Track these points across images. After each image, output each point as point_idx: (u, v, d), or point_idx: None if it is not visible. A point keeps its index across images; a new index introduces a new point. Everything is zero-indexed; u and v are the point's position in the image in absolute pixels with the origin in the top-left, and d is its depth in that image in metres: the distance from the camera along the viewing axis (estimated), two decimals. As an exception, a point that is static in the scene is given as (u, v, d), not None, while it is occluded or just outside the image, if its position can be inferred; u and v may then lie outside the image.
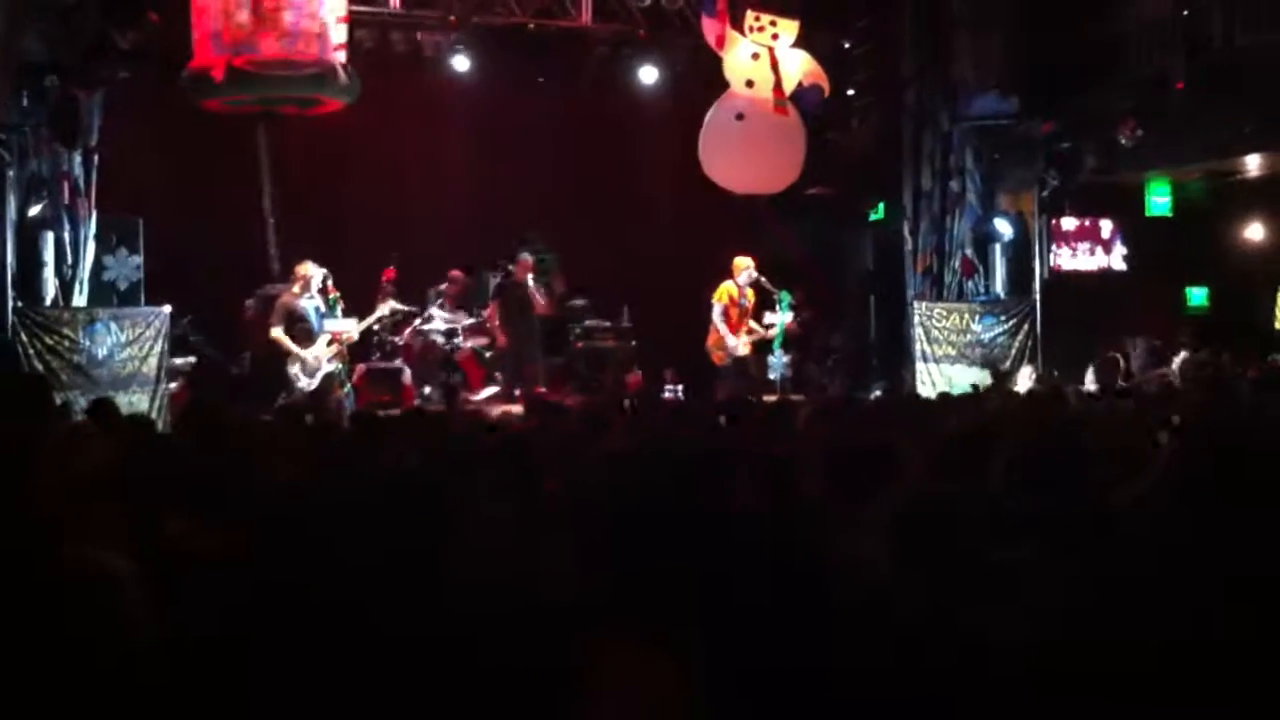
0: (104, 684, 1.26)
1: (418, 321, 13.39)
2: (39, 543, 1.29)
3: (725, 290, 13.34)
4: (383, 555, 2.98)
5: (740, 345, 13.30)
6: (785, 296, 13.71)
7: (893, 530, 3.31)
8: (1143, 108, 13.08)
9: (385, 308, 12.81)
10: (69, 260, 11.61)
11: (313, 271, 11.77)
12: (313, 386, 11.57)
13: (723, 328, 13.24)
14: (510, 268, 13.84)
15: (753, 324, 13.41)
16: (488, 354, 13.73)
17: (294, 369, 11.60)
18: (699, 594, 1.70)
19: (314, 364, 11.66)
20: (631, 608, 1.71)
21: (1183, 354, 13.40)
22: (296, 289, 11.71)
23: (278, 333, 11.57)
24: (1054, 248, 14.37)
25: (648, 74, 15.01)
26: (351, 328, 12.08)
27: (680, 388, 13.10)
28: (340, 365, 11.92)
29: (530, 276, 13.55)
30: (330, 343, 11.79)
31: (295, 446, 5.96)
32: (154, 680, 1.39)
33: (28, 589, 1.25)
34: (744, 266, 13.34)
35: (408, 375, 13.07)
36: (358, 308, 12.86)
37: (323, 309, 11.83)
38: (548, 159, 16.08)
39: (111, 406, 8.10)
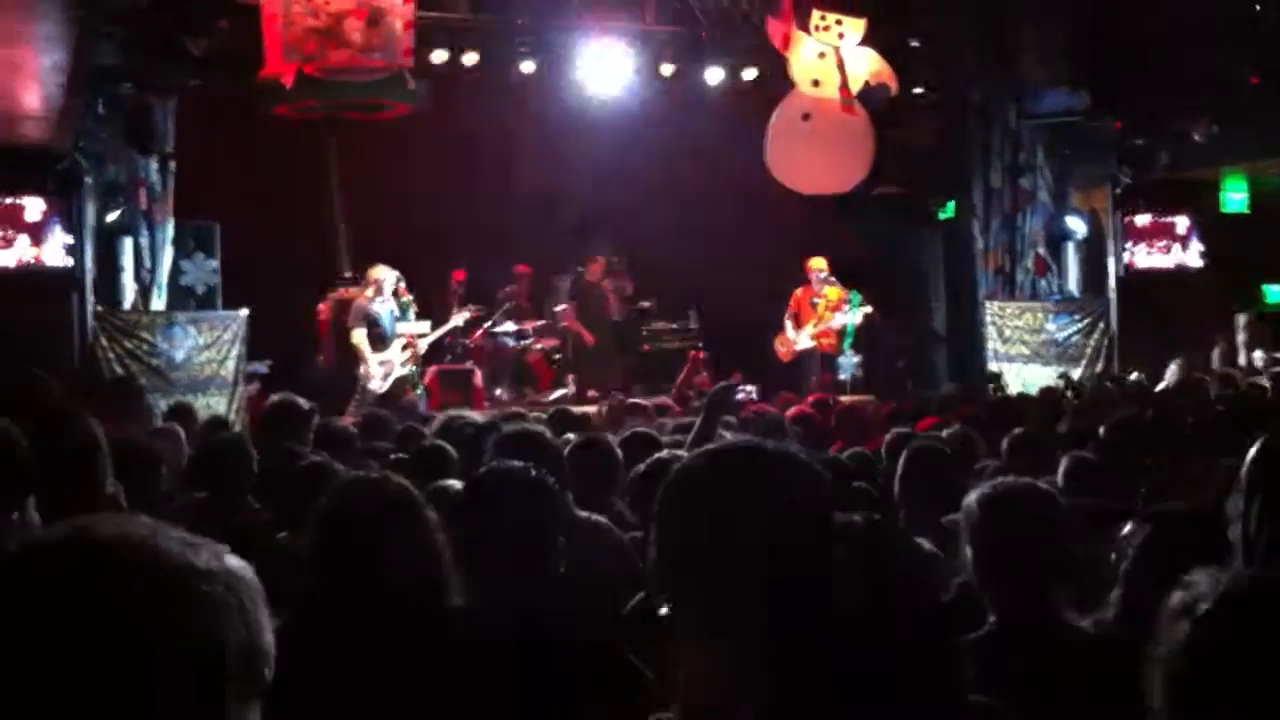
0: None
1: (488, 324, 13.47)
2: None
3: (796, 294, 13.80)
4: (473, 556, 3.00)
5: (802, 340, 13.61)
6: (855, 297, 13.67)
7: (970, 527, 3.28)
8: (1216, 103, 12.89)
9: (460, 317, 12.94)
10: (147, 265, 11.79)
11: (385, 274, 11.90)
12: (384, 389, 11.69)
13: (788, 327, 13.55)
14: (580, 269, 13.91)
15: (838, 316, 13.71)
16: (557, 356, 13.79)
17: (366, 371, 11.73)
18: (784, 599, 1.70)
19: (385, 367, 11.79)
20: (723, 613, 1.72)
21: (1259, 352, 13.18)
22: (370, 292, 11.85)
23: (358, 336, 11.71)
24: (1128, 245, 14.19)
25: (713, 75, 14.98)
26: (424, 330, 12.20)
27: (752, 389, 13.04)
28: (412, 368, 12.03)
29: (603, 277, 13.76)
30: (405, 346, 11.92)
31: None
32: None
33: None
34: (816, 267, 13.50)
35: (479, 377, 13.15)
36: (429, 310, 12.98)
37: (396, 312, 11.96)
38: (613, 160, 16.10)
39: (190, 410, 8.24)
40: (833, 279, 13.89)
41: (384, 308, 11.90)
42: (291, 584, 2.77)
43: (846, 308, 13.67)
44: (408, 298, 12.40)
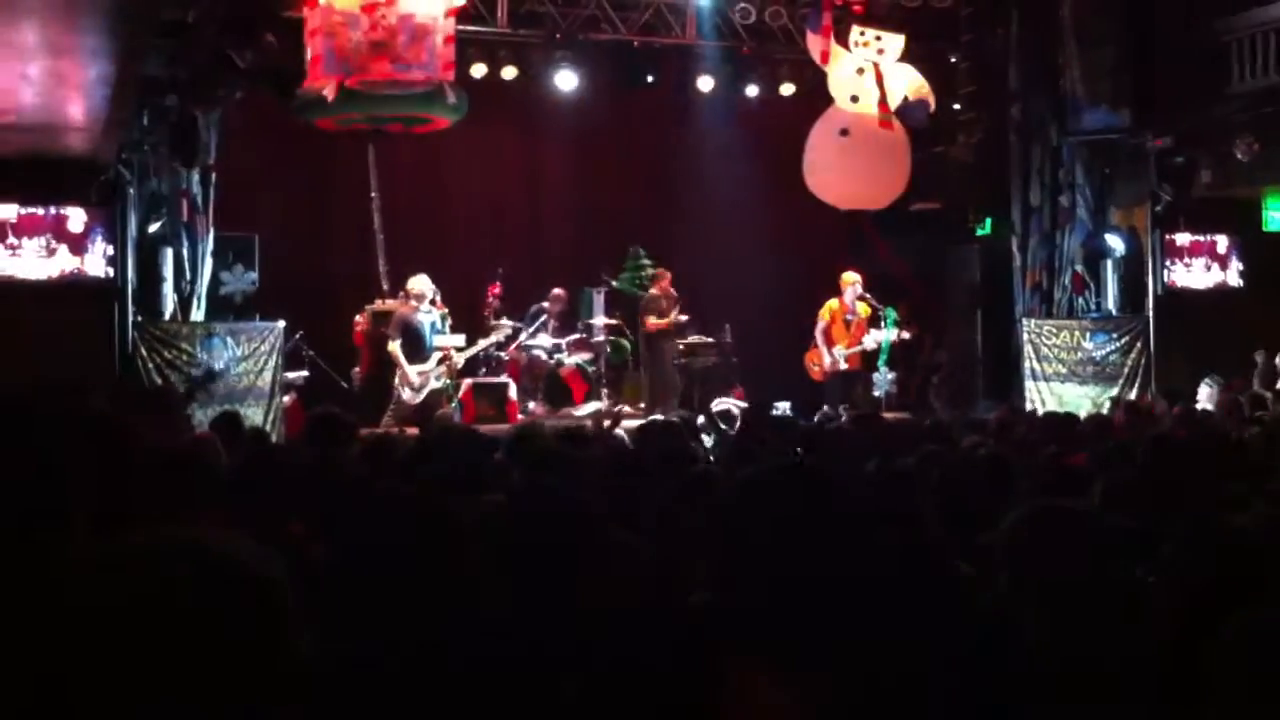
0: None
1: (523, 337, 13.51)
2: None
3: (828, 307, 13.63)
4: (509, 569, 3.01)
5: (839, 359, 13.51)
6: (890, 313, 13.63)
7: (1010, 547, 3.27)
8: (1259, 121, 12.79)
9: (499, 334, 13.00)
10: (187, 276, 11.89)
11: (424, 285, 11.98)
12: (418, 400, 11.74)
13: (820, 343, 13.51)
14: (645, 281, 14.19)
15: (866, 339, 13.59)
16: (591, 369, 13.81)
17: (402, 384, 11.79)
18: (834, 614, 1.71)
19: (421, 379, 11.84)
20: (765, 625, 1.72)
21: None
22: (413, 303, 11.94)
23: (395, 347, 11.77)
24: (1168, 263, 14.09)
25: (752, 89, 15.01)
26: (460, 344, 12.26)
27: (787, 405, 13.04)
28: (447, 381, 12.08)
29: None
30: (441, 360, 11.98)
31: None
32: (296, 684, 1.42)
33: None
34: (850, 282, 13.51)
35: (513, 390, 13.19)
36: (464, 323, 13.03)
37: (437, 324, 12.04)
38: (651, 175, 16.16)
39: (237, 419, 8.29)
40: (866, 295, 13.84)
41: (425, 319, 11.97)
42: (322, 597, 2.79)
43: (879, 328, 13.63)
44: (443, 310, 12.45)
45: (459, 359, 12.37)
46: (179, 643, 1.23)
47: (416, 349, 11.85)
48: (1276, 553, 3.42)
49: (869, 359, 13.76)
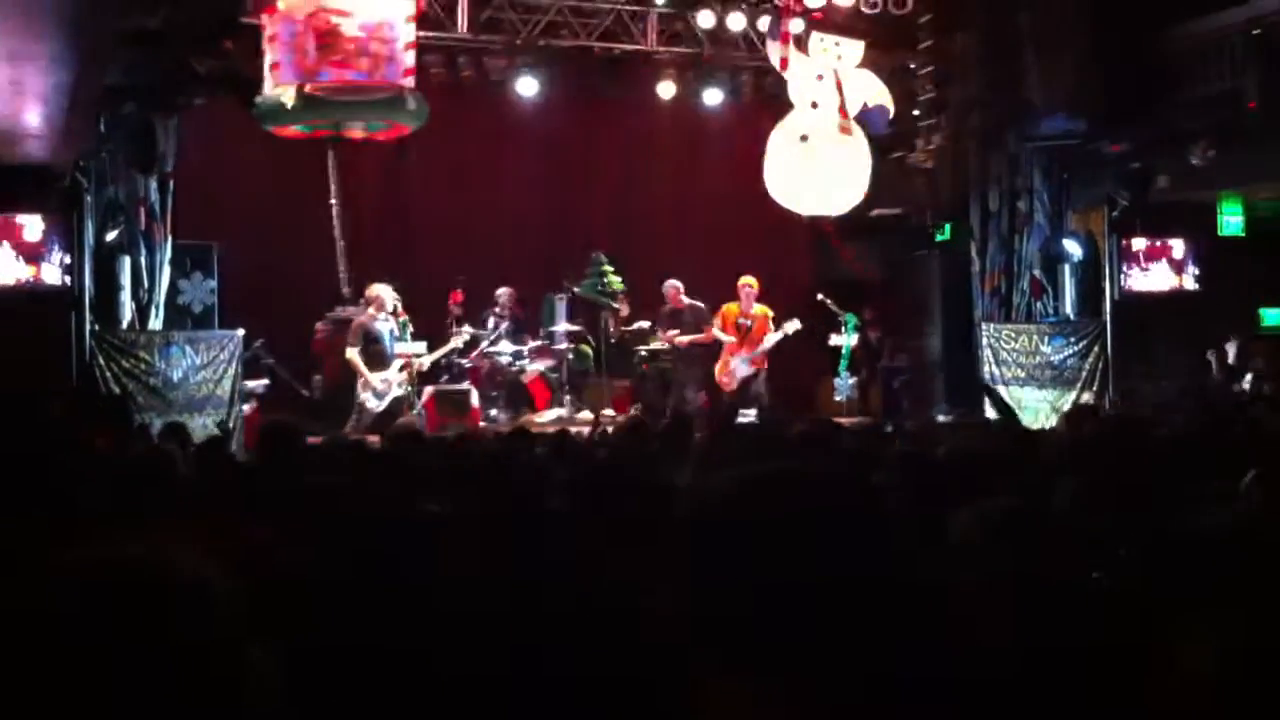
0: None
1: (485, 344, 13.49)
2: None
3: (723, 313, 13.42)
4: (466, 573, 3.00)
5: (743, 368, 13.25)
6: (850, 318, 13.69)
7: (965, 548, 3.28)
8: (1215, 127, 12.93)
9: (459, 340, 12.97)
10: (145, 284, 11.81)
11: (385, 292, 11.95)
12: (381, 408, 11.71)
13: (725, 352, 13.31)
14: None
15: (769, 338, 13.22)
16: (554, 375, 13.80)
17: (365, 391, 11.76)
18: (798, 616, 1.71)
19: (384, 387, 11.81)
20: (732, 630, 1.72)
21: (1250, 374, 13.21)
22: (372, 310, 11.90)
23: (352, 354, 11.73)
24: (1124, 268, 14.22)
25: (712, 96, 15.05)
26: (421, 351, 12.23)
27: (754, 410, 13.03)
28: (409, 388, 12.05)
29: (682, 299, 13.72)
30: (402, 367, 11.96)
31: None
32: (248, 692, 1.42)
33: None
34: (746, 284, 13.35)
35: (475, 397, 13.16)
36: (427, 330, 13.00)
37: (396, 331, 12.00)
38: (613, 181, 16.18)
39: (184, 430, 8.24)
40: (828, 300, 13.91)
41: (384, 327, 11.93)
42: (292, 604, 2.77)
43: (843, 330, 13.63)
44: (404, 318, 12.43)
45: (423, 363, 12.35)
46: (101, 655, 1.23)
47: (377, 356, 11.82)
48: (1231, 553, 3.46)
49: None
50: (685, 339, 13.69)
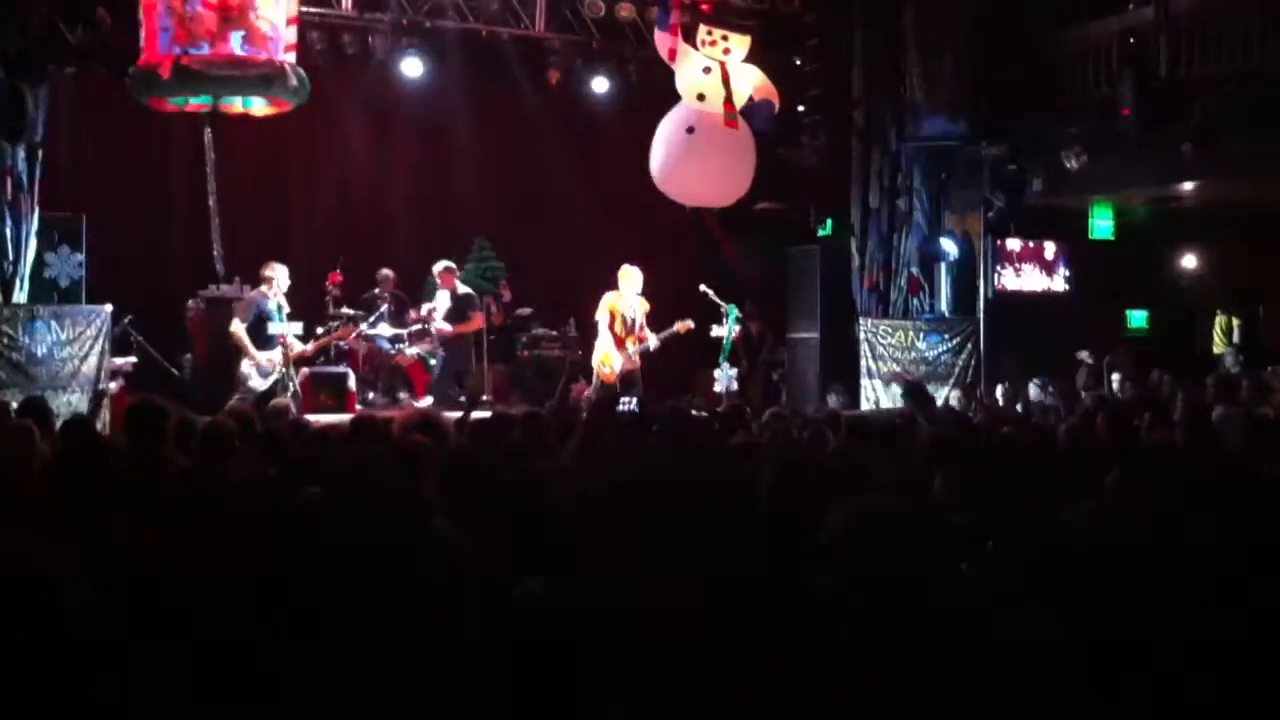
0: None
1: (364, 326, 13.29)
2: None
3: (610, 305, 12.93)
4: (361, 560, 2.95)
5: (626, 358, 12.86)
6: (732, 310, 13.74)
7: (836, 546, 3.30)
8: (1089, 133, 13.26)
9: (335, 324, 12.87)
10: (10, 257, 11.43)
11: (280, 273, 11.76)
12: (264, 387, 11.49)
13: (607, 342, 12.88)
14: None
15: (648, 333, 12.90)
16: (432, 360, 13.66)
17: (250, 369, 11.52)
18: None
19: (269, 366, 11.61)
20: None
21: (1116, 375, 13.57)
22: (264, 288, 11.70)
23: (239, 329, 11.50)
24: (999, 268, 14.53)
25: (600, 84, 15.02)
26: (298, 332, 12.01)
27: (633, 400, 12.97)
28: (285, 369, 11.83)
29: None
30: (284, 349, 11.76)
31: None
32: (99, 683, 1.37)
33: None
34: (629, 276, 12.94)
35: (352, 380, 12.97)
36: (304, 312, 12.77)
37: (275, 313, 11.78)
38: (497, 166, 16.08)
39: (44, 405, 7.99)
40: (710, 291, 13.93)
41: (273, 305, 11.73)
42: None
43: (720, 324, 13.62)
44: (280, 298, 12.19)
45: (306, 348, 12.15)
46: None
47: (262, 335, 11.60)
48: (1098, 552, 3.54)
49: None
50: (450, 329, 13.42)
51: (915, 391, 10.70)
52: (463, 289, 13.65)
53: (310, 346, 12.41)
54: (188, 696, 2.33)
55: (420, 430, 5.89)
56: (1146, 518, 3.77)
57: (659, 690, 1.73)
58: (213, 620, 2.69)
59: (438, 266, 13.60)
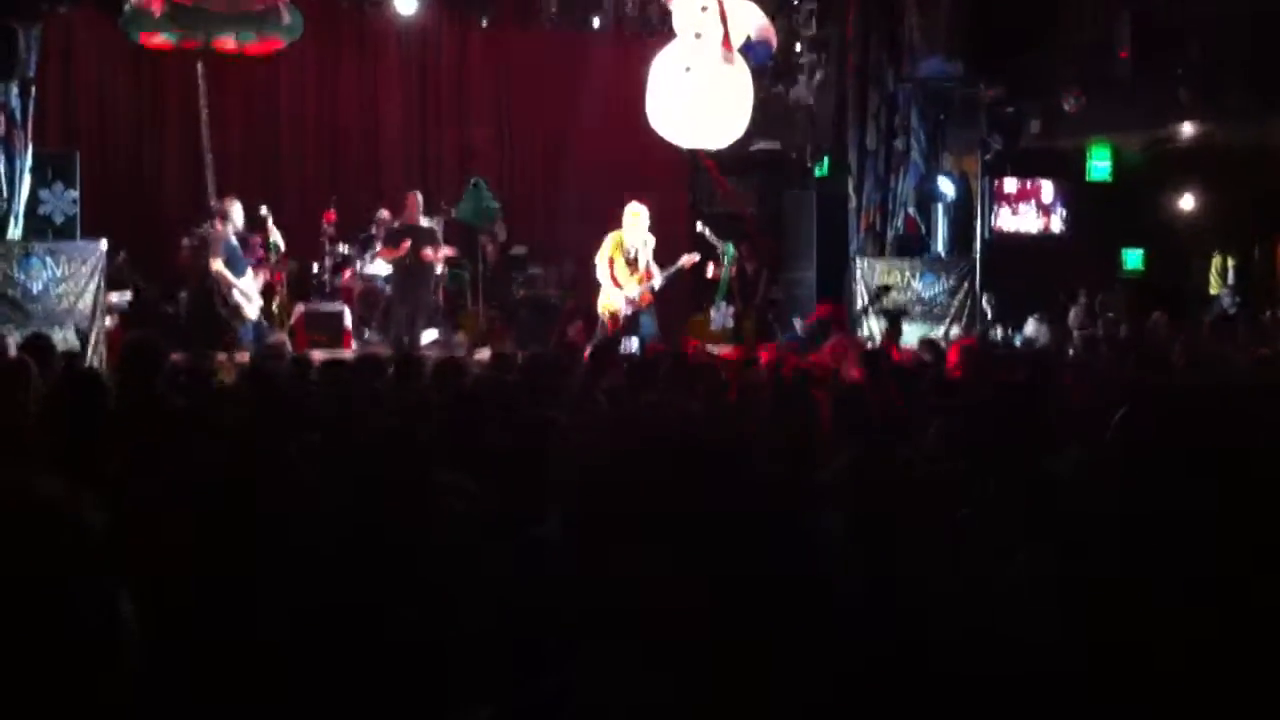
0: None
1: (359, 264, 13.28)
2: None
3: (613, 242, 12.68)
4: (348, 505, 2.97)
5: (626, 300, 12.57)
6: (729, 249, 13.73)
7: (838, 488, 3.34)
8: (1086, 74, 13.21)
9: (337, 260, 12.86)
10: (4, 194, 11.37)
11: (235, 208, 11.78)
12: (256, 314, 11.54)
13: (605, 283, 12.66)
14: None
15: (655, 269, 12.62)
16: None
17: (240, 297, 11.58)
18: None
19: (251, 290, 11.67)
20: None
21: (1109, 315, 13.63)
22: (219, 223, 11.74)
23: (219, 266, 11.52)
24: (995, 208, 14.52)
25: (595, 22, 14.92)
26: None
27: (634, 342, 12.91)
28: (278, 307, 11.85)
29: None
30: (256, 276, 11.79)
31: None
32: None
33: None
34: (636, 214, 12.70)
35: (348, 318, 12.98)
36: (299, 249, 12.76)
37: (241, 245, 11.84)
38: (493, 105, 16.00)
39: (47, 342, 8.01)
40: (706, 230, 13.91)
41: (233, 239, 11.81)
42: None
43: (722, 260, 13.63)
44: (275, 237, 12.16)
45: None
46: None
47: (236, 269, 11.66)
48: (1085, 490, 3.57)
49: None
50: (442, 252, 13.06)
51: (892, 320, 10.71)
52: (425, 222, 13.20)
53: (281, 274, 12.29)
54: (189, 636, 2.37)
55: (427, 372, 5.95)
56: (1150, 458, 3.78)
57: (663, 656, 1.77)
58: (210, 561, 2.72)
59: (413, 197, 13.09)
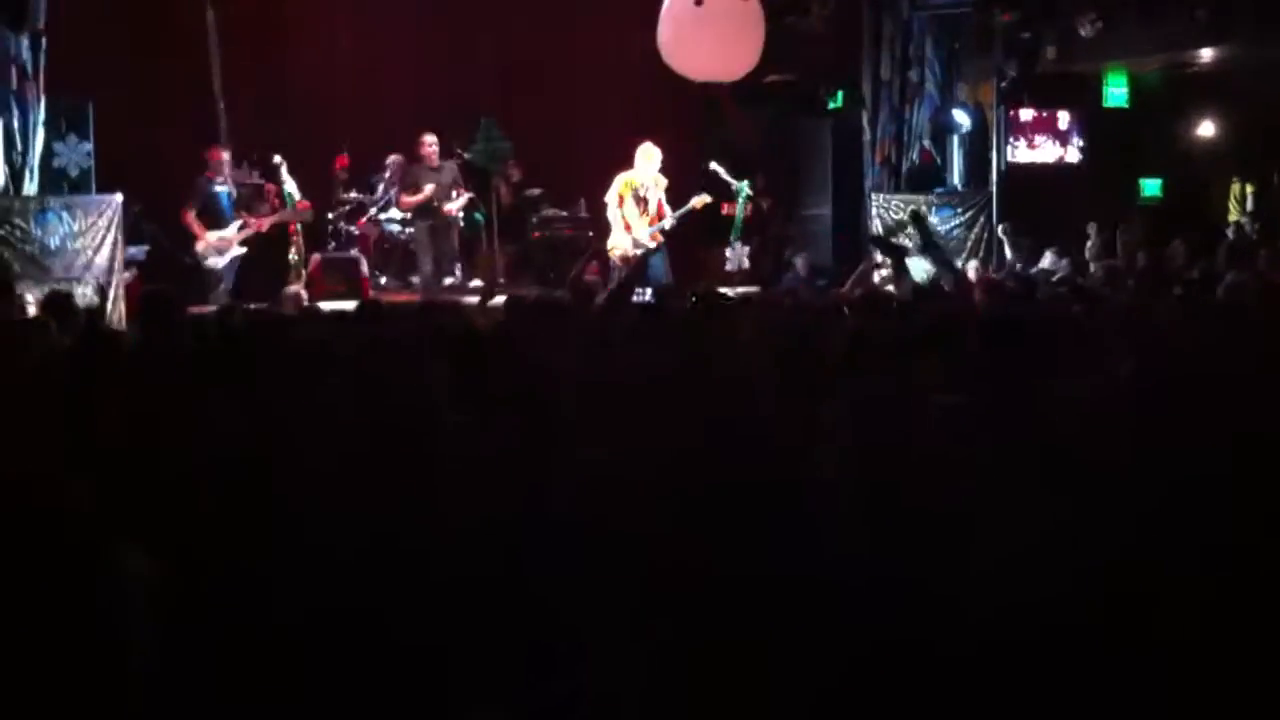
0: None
1: (374, 210, 13.27)
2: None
3: (626, 183, 12.68)
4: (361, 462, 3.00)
5: (644, 239, 12.59)
6: (743, 187, 13.66)
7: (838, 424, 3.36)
8: (1102, -2, 13.05)
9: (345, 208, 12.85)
10: (18, 147, 11.38)
11: (221, 155, 11.83)
12: (222, 265, 11.60)
13: (616, 225, 12.67)
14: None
15: (668, 209, 12.63)
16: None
17: (207, 251, 11.67)
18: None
19: (223, 244, 11.72)
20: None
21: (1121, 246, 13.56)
22: (210, 172, 11.81)
23: (190, 216, 11.66)
24: (1012, 140, 14.38)
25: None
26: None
27: (648, 291, 12.84)
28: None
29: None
30: (242, 227, 11.81)
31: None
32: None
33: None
34: (650, 155, 12.66)
35: (364, 265, 12.99)
36: (312, 194, 12.75)
37: (233, 193, 11.85)
38: (503, 45, 15.86)
39: (67, 299, 8.05)
40: (720, 168, 13.80)
41: (221, 189, 11.83)
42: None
43: (737, 197, 13.54)
44: (290, 186, 12.14)
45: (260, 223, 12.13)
46: None
47: (216, 218, 11.73)
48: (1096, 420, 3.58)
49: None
50: (453, 204, 13.03)
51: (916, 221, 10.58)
52: (441, 161, 13.20)
53: (265, 221, 12.26)
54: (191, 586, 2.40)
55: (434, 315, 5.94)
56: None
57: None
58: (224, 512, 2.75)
59: (428, 138, 13.22)
